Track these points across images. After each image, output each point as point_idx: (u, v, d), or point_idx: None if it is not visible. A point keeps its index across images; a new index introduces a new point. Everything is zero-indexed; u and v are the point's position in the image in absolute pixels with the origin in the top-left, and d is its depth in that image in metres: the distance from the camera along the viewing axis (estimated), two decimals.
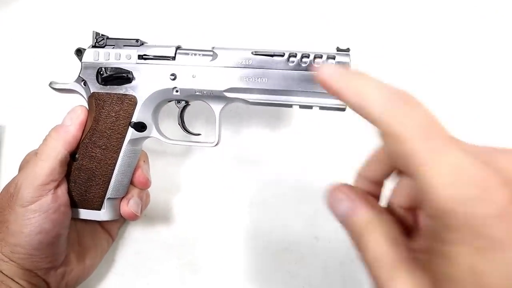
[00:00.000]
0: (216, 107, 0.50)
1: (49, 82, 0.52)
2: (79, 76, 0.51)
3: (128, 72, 0.49)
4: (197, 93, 0.49)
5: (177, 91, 0.49)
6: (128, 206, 0.51)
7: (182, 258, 0.59)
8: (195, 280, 0.59)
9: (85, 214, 0.50)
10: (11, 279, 0.45)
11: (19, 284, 0.45)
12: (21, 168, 0.49)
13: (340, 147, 0.59)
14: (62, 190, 0.47)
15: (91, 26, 0.52)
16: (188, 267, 0.59)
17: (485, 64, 0.58)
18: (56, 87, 0.52)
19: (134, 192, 0.52)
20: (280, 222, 0.58)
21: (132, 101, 0.49)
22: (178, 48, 0.49)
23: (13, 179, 0.48)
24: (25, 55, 0.63)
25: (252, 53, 0.47)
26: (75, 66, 0.51)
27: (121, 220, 0.58)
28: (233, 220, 0.59)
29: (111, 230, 0.57)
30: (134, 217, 0.52)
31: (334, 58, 0.46)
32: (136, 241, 0.60)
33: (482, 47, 0.58)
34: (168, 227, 0.60)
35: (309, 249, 0.58)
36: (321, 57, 0.46)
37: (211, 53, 0.48)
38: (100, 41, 0.50)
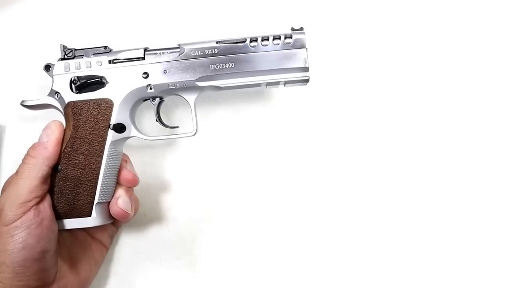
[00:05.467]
0: (190, 98, 0.53)
1: (20, 101, 0.53)
2: (51, 89, 0.52)
3: (101, 77, 0.51)
4: (170, 87, 0.52)
5: (151, 88, 0.52)
6: (118, 205, 0.51)
7: (182, 258, 0.59)
8: (195, 280, 0.59)
9: (75, 223, 0.50)
10: None
11: None
12: (3, 189, 0.49)
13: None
14: (44, 205, 0.47)
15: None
16: (188, 267, 0.59)
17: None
18: (28, 105, 0.53)
19: (121, 192, 0.53)
20: (281, 221, 0.60)
21: (109, 104, 0.51)
22: (146, 49, 0.52)
23: None
24: (25, 55, 0.63)
25: (216, 42, 0.52)
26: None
27: (112, 229, 0.58)
28: (233, 220, 0.60)
29: (103, 239, 0.56)
30: (125, 216, 0.52)
31: (291, 37, 0.51)
32: (135, 241, 0.60)
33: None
34: (168, 227, 0.60)
35: (309, 249, 0.59)
36: (279, 38, 0.51)
37: (178, 49, 0.52)
38: (69, 53, 0.52)
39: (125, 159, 0.54)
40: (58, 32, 0.64)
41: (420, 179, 0.60)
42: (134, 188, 0.54)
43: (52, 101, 0.52)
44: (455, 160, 0.61)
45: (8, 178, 0.50)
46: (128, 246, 0.60)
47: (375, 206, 0.60)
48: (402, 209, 0.60)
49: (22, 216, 0.45)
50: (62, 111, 0.52)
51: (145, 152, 0.60)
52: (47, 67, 0.52)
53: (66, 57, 0.52)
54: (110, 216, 0.53)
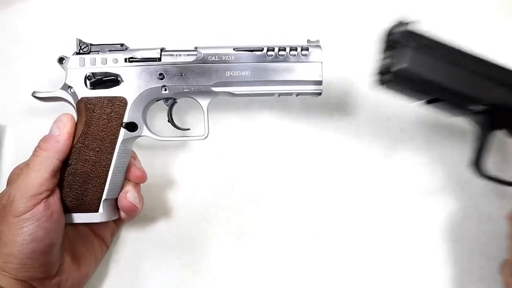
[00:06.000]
0: (204, 102, 0.54)
1: (32, 92, 0.53)
2: (65, 83, 0.52)
3: (117, 75, 0.51)
4: (185, 90, 0.52)
5: (165, 89, 0.52)
6: (127, 198, 0.52)
7: (182, 258, 0.60)
8: (195, 280, 0.59)
9: (83, 217, 0.51)
10: None
11: None
12: (9, 182, 0.49)
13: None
14: (54, 198, 0.48)
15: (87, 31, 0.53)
16: (188, 267, 0.60)
17: None
18: (40, 96, 0.53)
19: (130, 187, 0.53)
20: (280, 221, 0.61)
21: (122, 102, 0.51)
22: (162, 50, 0.52)
23: (4, 191, 0.48)
24: (25, 55, 0.63)
25: (233, 49, 0.52)
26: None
27: (113, 227, 0.58)
28: (233, 220, 0.61)
29: (105, 237, 0.57)
30: (134, 209, 0.52)
31: (307, 49, 0.52)
32: (136, 241, 0.60)
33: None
34: (168, 226, 0.60)
35: (309, 249, 0.60)
36: (296, 49, 0.52)
37: (195, 52, 0.52)
38: (84, 47, 0.52)
39: (133, 156, 0.55)
40: (62, 33, 0.63)
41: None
42: None
43: (65, 94, 0.52)
44: None
45: (14, 169, 0.50)
46: (128, 246, 0.60)
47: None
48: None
49: (32, 208, 0.45)
50: (74, 105, 0.52)
51: (146, 152, 0.60)
52: (61, 60, 0.52)
53: (81, 51, 0.52)
54: (116, 212, 0.54)
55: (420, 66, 0.46)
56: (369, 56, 0.63)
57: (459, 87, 0.47)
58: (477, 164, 0.51)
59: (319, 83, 0.52)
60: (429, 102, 0.49)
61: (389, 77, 0.47)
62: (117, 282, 0.59)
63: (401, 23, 0.47)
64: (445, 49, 0.47)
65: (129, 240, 0.60)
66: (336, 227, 0.61)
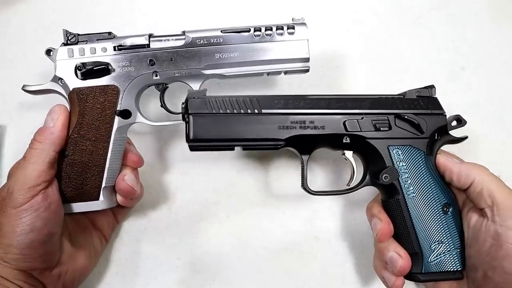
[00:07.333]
0: (195, 85, 0.55)
1: (21, 86, 0.53)
2: (55, 75, 0.52)
3: (107, 63, 0.51)
4: (176, 74, 0.53)
5: (156, 75, 0.53)
6: (125, 181, 0.52)
7: (182, 258, 0.60)
8: (195, 280, 0.60)
9: (84, 206, 0.52)
10: (7, 279, 0.46)
11: (16, 284, 0.46)
12: (9, 176, 0.49)
13: None
14: (53, 189, 0.48)
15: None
16: (188, 267, 0.60)
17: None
18: (30, 89, 0.53)
19: (127, 171, 0.54)
20: (280, 222, 0.61)
21: (115, 91, 0.52)
22: (150, 36, 0.53)
23: (4, 184, 0.48)
24: (25, 55, 0.63)
25: (221, 31, 0.53)
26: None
27: (114, 221, 0.59)
28: (233, 220, 0.61)
29: (105, 230, 0.57)
30: (131, 192, 0.53)
31: (293, 27, 0.53)
32: (135, 241, 0.60)
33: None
34: (168, 226, 0.61)
35: (309, 249, 0.61)
36: (282, 28, 0.53)
37: (183, 36, 0.53)
38: (72, 38, 0.52)
39: (128, 142, 0.56)
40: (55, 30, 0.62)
41: None
42: None
43: (56, 86, 0.52)
44: None
45: (15, 164, 0.50)
46: (128, 246, 0.60)
47: None
48: None
49: (30, 199, 0.46)
50: (67, 97, 0.52)
51: (146, 152, 0.60)
52: (48, 52, 0.52)
53: (69, 42, 0.52)
54: (116, 199, 0.55)
55: (205, 131, 0.48)
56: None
57: (251, 136, 0.49)
58: (304, 185, 0.53)
59: (306, 60, 0.54)
60: (244, 149, 0.52)
61: (190, 147, 0.49)
62: (117, 282, 0.59)
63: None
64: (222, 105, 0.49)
65: (129, 240, 0.60)
66: (337, 227, 0.61)
